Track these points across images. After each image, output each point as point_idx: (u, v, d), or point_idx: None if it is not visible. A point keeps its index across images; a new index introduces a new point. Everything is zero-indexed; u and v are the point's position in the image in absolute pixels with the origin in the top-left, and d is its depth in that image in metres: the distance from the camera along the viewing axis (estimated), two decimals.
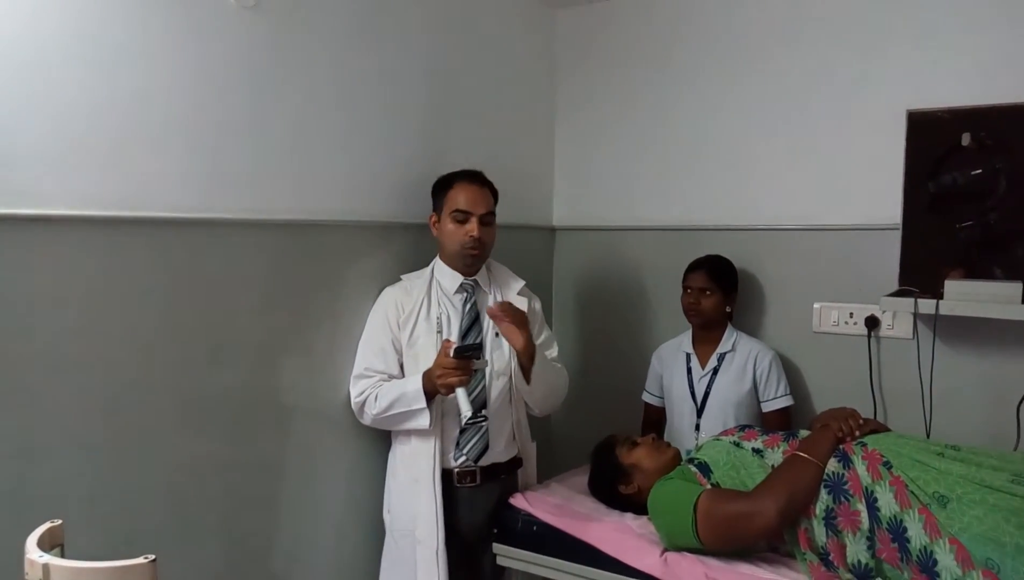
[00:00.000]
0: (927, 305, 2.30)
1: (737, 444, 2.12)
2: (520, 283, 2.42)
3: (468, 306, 2.31)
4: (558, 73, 3.20)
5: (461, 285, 2.32)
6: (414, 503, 2.20)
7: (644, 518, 2.13)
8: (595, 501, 2.31)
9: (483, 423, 2.25)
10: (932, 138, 2.38)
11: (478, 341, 2.27)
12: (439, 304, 2.30)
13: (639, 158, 3.03)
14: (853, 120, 2.58)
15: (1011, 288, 2.20)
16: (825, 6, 2.62)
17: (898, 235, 2.45)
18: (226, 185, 1.98)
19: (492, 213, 2.31)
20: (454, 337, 2.25)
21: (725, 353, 2.63)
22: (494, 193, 2.34)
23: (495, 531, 2.31)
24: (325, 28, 2.21)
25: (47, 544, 1.19)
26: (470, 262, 2.30)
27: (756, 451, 2.07)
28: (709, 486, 2.01)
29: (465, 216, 2.25)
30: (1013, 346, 2.35)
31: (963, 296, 2.27)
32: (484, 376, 2.25)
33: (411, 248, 2.46)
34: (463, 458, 2.25)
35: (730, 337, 2.65)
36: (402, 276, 2.38)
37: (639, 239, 3.04)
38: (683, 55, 2.91)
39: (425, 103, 2.55)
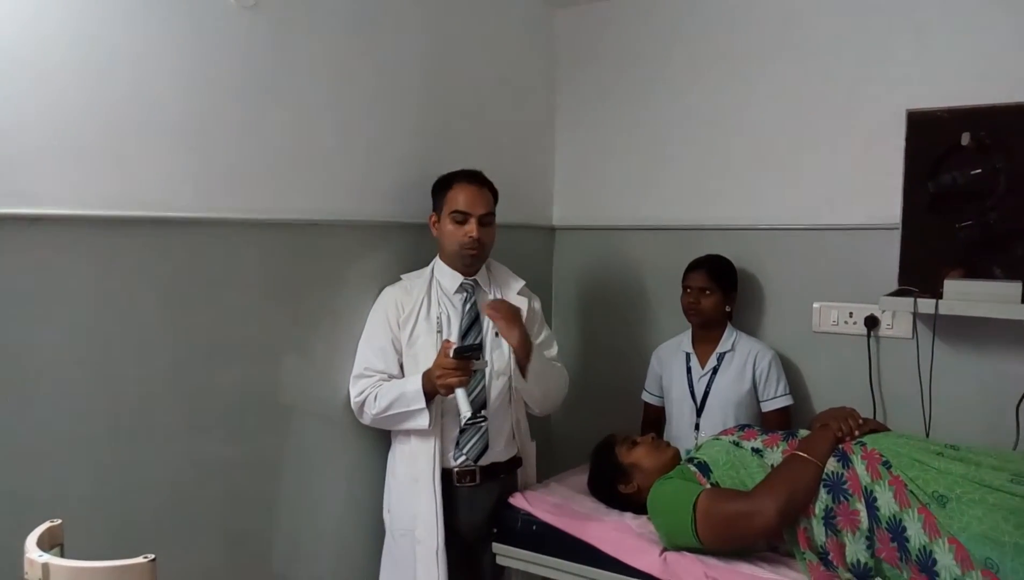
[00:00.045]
0: (926, 305, 2.30)
1: (736, 444, 2.12)
2: (520, 283, 2.42)
3: (468, 306, 2.31)
4: (558, 72, 3.20)
5: (461, 285, 2.32)
6: (414, 502, 2.20)
7: (643, 517, 2.13)
8: (595, 501, 2.31)
9: (482, 423, 2.25)
10: (932, 138, 2.38)
11: (478, 341, 2.27)
12: (439, 304, 2.30)
13: (639, 158, 3.03)
14: (853, 120, 2.57)
15: (1010, 288, 2.20)
16: (825, 6, 2.62)
17: (898, 235, 2.45)
18: (226, 184, 1.98)
19: (491, 214, 2.31)
20: (454, 337, 2.25)
21: (725, 353, 2.63)
22: (494, 193, 2.34)
23: (495, 530, 2.31)
24: (324, 27, 2.21)
25: (46, 544, 1.19)
26: (469, 262, 2.30)
27: (755, 451, 2.07)
28: (708, 485, 2.02)
29: (464, 217, 2.25)
30: (1012, 346, 2.35)
31: (962, 296, 2.27)
32: (484, 376, 2.25)
33: (411, 248, 2.46)
34: (463, 458, 2.25)
35: (730, 337, 2.65)
36: (402, 276, 2.39)
37: (639, 239, 3.04)
38: (682, 55, 2.91)
39: (425, 102, 2.55)
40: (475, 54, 2.76)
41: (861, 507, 1.83)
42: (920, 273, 2.39)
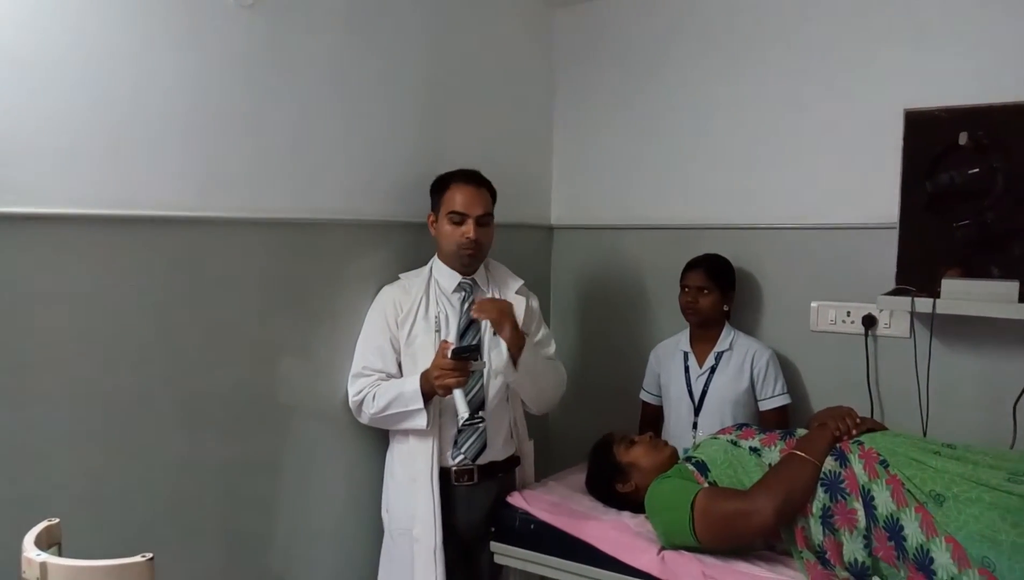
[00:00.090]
0: (924, 304, 2.30)
1: (734, 443, 2.12)
2: (518, 282, 2.42)
3: (466, 305, 2.31)
4: (556, 72, 3.20)
5: (459, 284, 2.32)
6: (412, 502, 2.20)
7: (641, 516, 2.14)
8: (593, 499, 2.31)
9: (480, 423, 2.25)
10: (929, 137, 2.38)
11: (476, 341, 2.27)
12: (437, 303, 2.30)
13: (637, 157, 3.03)
14: (851, 119, 2.58)
15: (1008, 287, 2.21)
16: (823, 6, 2.62)
17: (895, 234, 2.45)
18: (224, 184, 1.98)
19: (489, 214, 2.31)
20: (452, 336, 2.25)
21: (723, 352, 2.63)
22: (492, 192, 2.34)
23: (493, 529, 2.32)
24: (323, 27, 2.21)
25: (44, 543, 1.19)
26: (467, 262, 2.30)
27: (753, 450, 2.07)
28: (706, 484, 2.02)
29: (461, 218, 2.25)
30: (1010, 345, 2.35)
31: (960, 295, 2.27)
32: (481, 376, 2.26)
33: (409, 247, 2.46)
34: (461, 457, 2.25)
35: (728, 336, 2.65)
36: (400, 275, 2.39)
37: (637, 238, 3.04)
38: (681, 54, 2.91)
39: (423, 101, 2.55)
40: (474, 53, 2.76)
41: (858, 506, 1.83)
42: (918, 272, 2.39)
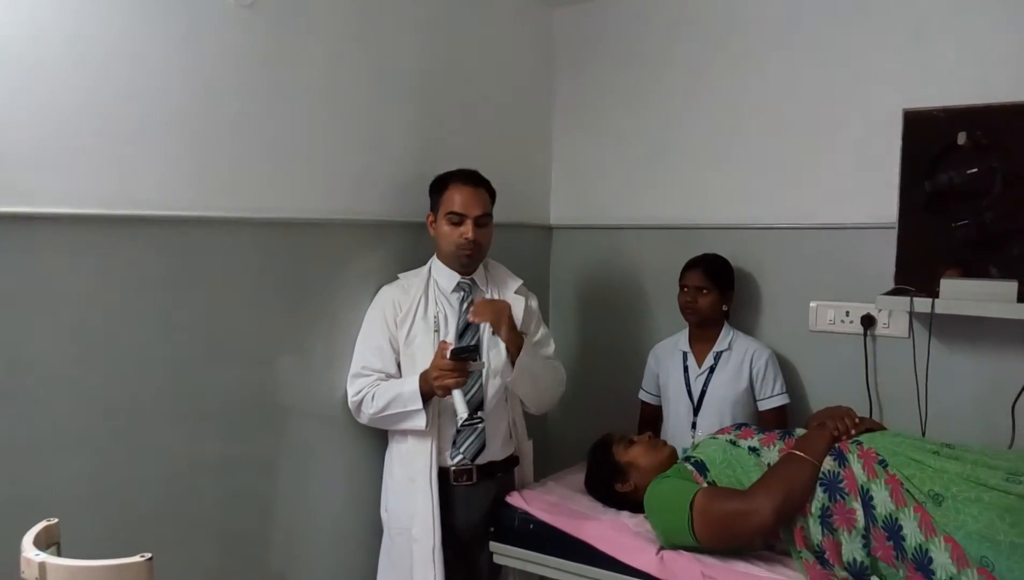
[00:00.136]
0: (923, 304, 2.30)
1: (733, 442, 2.12)
2: (517, 282, 2.43)
3: (465, 305, 2.31)
4: (555, 71, 3.20)
5: (458, 284, 2.32)
6: (411, 501, 2.20)
7: (640, 516, 2.14)
8: (592, 499, 2.31)
9: (479, 423, 2.25)
10: (928, 137, 2.38)
11: (474, 341, 2.27)
12: (436, 303, 2.30)
13: (636, 157, 3.03)
14: (849, 119, 2.58)
15: (1006, 287, 2.21)
16: (823, 6, 2.62)
17: (894, 234, 2.45)
18: (223, 183, 1.98)
19: (488, 214, 2.30)
20: (451, 336, 2.25)
21: (721, 351, 2.63)
22: (491, 192, 2.34)
23: (492, 529, 2.32)
24: (322, 26, 2.21)
25: (43, 542, 1.19)
26: (466, 263, 2.30)
27: (752, 450, 2.07)
28: (705, 484, 2.02)
29: (460, 218, 2.25)
30: (1008, 345, 2.35)
31: (959, 295, 2.27)
32: (480, 376, 2.26)
33: (408, 246, 2.46)
34: (460, 456, 2.25)
35: (726, 336, 2.65)
36: (399, 275, 2.39)
37: (636, 238, 3.04)
38: (680, 54, 2.91)
39: (422, 101, 2.54)
40: (472, 52, 2.76)
41: (857, 506, 1.83)
42: (916, 272, 2.39)
